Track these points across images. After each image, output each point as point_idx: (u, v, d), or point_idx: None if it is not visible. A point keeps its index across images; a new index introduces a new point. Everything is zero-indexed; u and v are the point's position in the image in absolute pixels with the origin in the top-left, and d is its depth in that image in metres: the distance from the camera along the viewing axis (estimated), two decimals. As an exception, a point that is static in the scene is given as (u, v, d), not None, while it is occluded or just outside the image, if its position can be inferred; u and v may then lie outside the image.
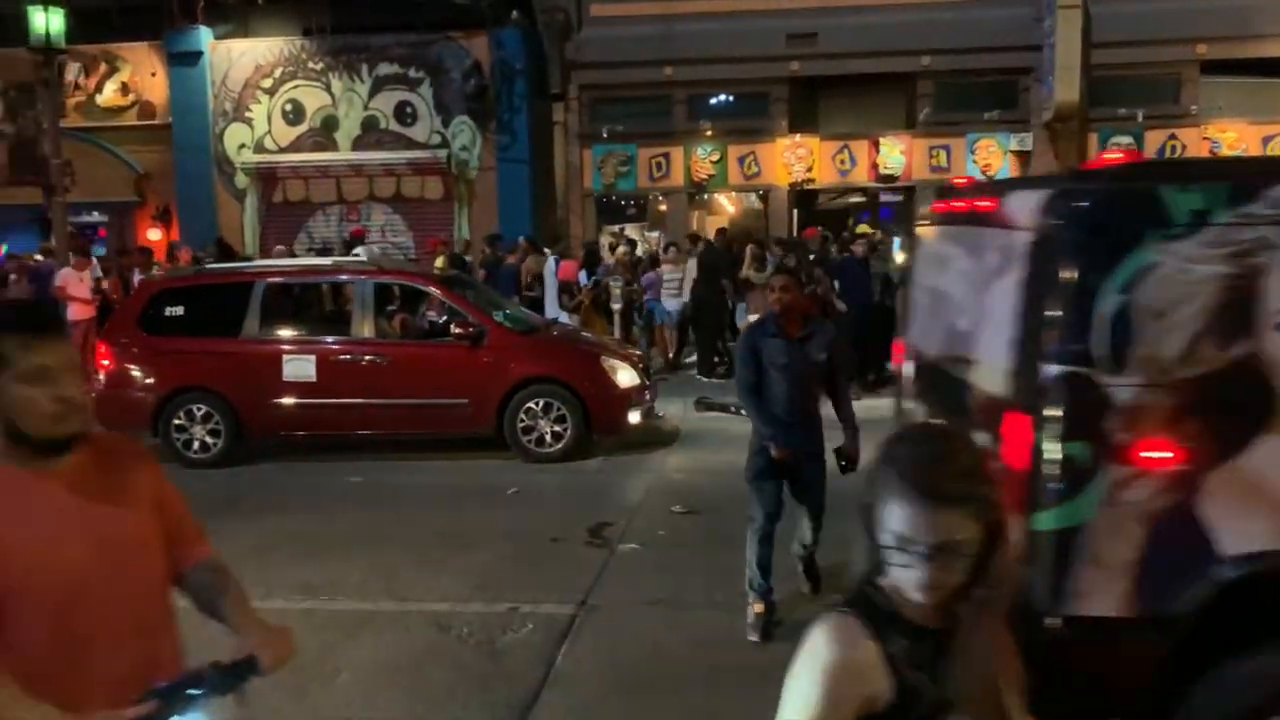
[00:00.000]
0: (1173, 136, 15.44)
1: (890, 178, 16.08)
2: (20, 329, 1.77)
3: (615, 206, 17.87)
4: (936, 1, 15.30)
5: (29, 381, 1.74)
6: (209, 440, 8.65)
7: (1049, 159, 15.46)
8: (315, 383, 8.61)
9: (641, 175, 16.73)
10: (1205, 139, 15.33)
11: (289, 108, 16.78)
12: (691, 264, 12.68)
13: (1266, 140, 15.30)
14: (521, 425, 8.57)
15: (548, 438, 8.56)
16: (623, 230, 17.63)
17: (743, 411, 5.43)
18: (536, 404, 8.56)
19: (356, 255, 11.12)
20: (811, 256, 12.08)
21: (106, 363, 8.76)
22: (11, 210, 16.05)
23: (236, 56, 16.75)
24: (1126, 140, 15.48)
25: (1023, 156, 15.69)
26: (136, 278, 11.98)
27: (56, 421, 1.76)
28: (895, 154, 15.94)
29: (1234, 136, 15.27)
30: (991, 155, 15.83)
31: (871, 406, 10.54)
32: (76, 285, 11.99)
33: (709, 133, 16.57)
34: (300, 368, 8.63)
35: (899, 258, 12.93)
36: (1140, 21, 14.59)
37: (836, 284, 11.04)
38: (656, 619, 5.11)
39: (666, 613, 5.19)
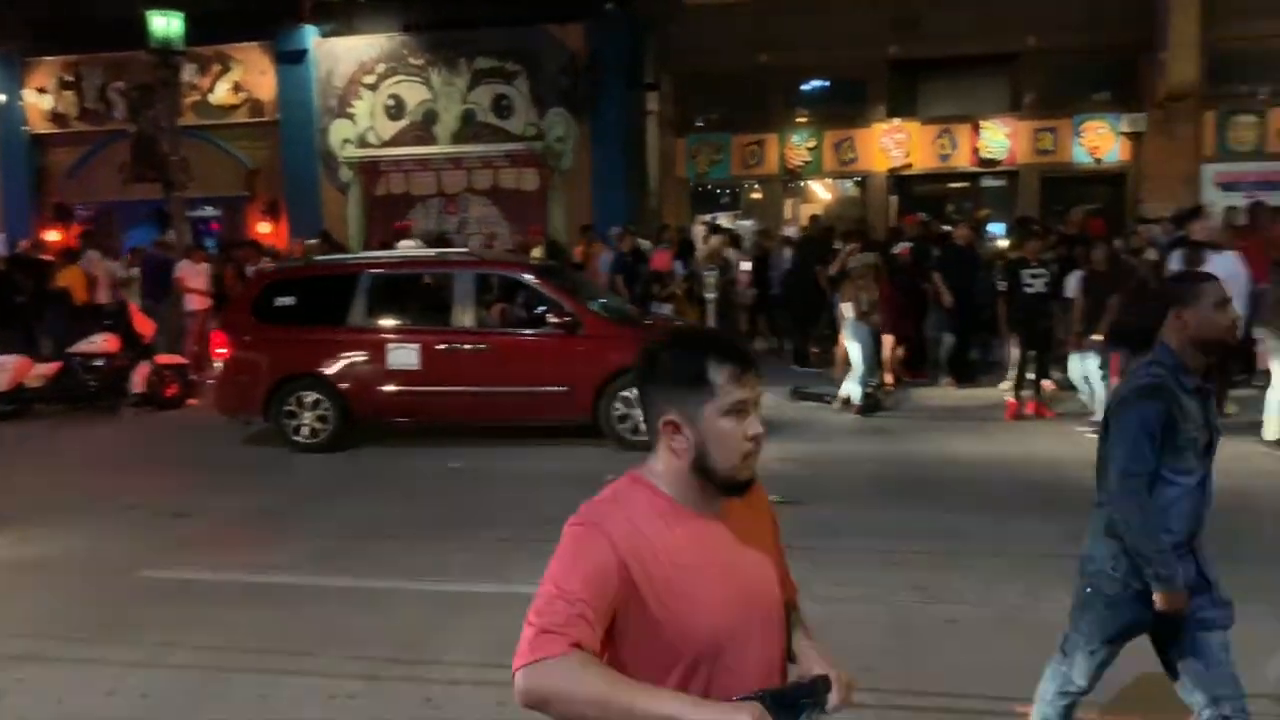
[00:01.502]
0: (1299, 115, 14.60)
1: (992, 162, 15.61)
2: (733, 360, 1.73)
3: (709, 195, 17.81)
4: (1043, -22, 14.78)
5: (732, 416, 1.72)
6: (317, 426, 8.97)
7: (1163, 142, 14.82)
8: (419, 370, 8.84)
9: (735, 163, 16.64)
10: (1336, 117, 14.46)
11: (391, 103, 17.20)
12: (786, 253, 12.59)
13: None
14: (617, 414, 8.64)
15: (642, 427, 8.58)
16: (715, 219, 17.57)
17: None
18: (631, 393, 8.62)
19: (406, 246, 11.45)
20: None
21: (223, 351, 9.16)
22: (132, 206, 16.87)
23: (341, 54, 17.24)
24: (1249, 119, 14.71)
25: (1135, 138, 15.03)
26: (249, 270, 12.48)
27: (746, 459, 1.75)
28: (999, 137, 15.47)
29: (1368, 113, 14.37)
30: (1100, 138, 15.22)
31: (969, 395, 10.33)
32: (194, 277, 12.56)
33: (804, 119, 16.36)
34: (404, 356, 8.87)
35: (1002, 244, 12.57)
36: (1267, -6, 13.83)
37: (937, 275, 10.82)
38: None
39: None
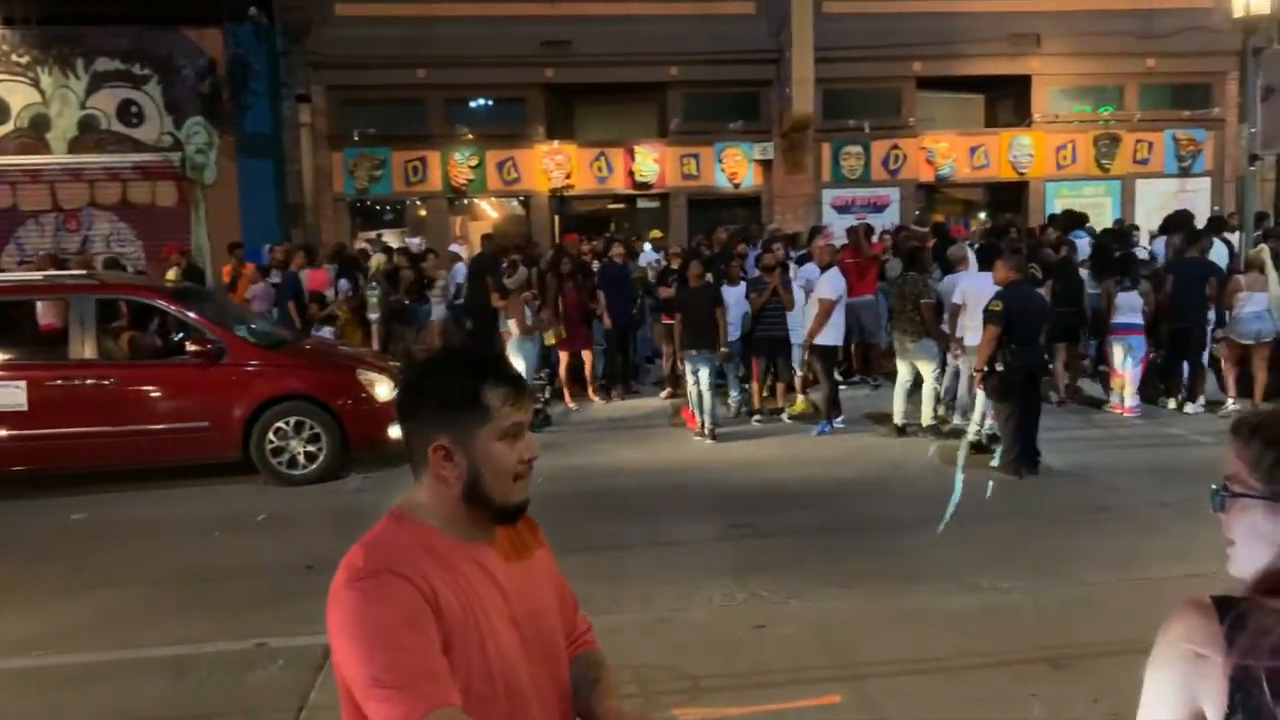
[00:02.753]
0: (895, 147, 16.84)
1: (646, 184, 16.52)
2: (508, 381, 1.65)
3: (370, 211, 17.26)
4: (682, 14, 15.87)
5: (508, 438, 1.63)
6: (-106, 484, 7.57)
7: (788, 168, 16.48)
8: (26, 412, 7.72)
9: (396, 179, 16.27)
10: (922, 149, 16.84)
11: (-11, 104, 14.98)
12: (460, 269, 12.55)
13: (974, 149, 17.02)
14: (271, 446, 8.09)
15: (301, 458, 8.12)
16: (380, 236, 17.05)
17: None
18: (287, 423, 8.11)
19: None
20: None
21: None
22: None
23: (-80, 45, 14.75)
24: (856, 149, 16.77)
25: (766, 165, 16.58)
26: None
27: (519, 482, 1.67)
28: (649, 162, 16.39)
29: (946, 146, 16.87)
30: (738, 164, 16.62)
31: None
32: None
33: (467, 137, 16.36)
34: (6, 396, 7.71)
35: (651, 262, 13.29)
36: (865, 40, 15.80)
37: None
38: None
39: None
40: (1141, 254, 11.39)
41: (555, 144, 16.34)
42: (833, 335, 9.68)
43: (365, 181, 16.19)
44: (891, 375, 11.56)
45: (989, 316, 7.65)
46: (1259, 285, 9.63)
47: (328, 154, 16.00)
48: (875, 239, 12.55)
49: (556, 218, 16.90)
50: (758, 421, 9.93)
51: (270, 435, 8.08)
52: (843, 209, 16.62)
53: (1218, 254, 11.02)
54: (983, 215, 17.36)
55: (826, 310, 9.49)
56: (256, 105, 15.34)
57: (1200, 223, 12.68)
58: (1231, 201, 16.60)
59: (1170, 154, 17.24)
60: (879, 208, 16.79)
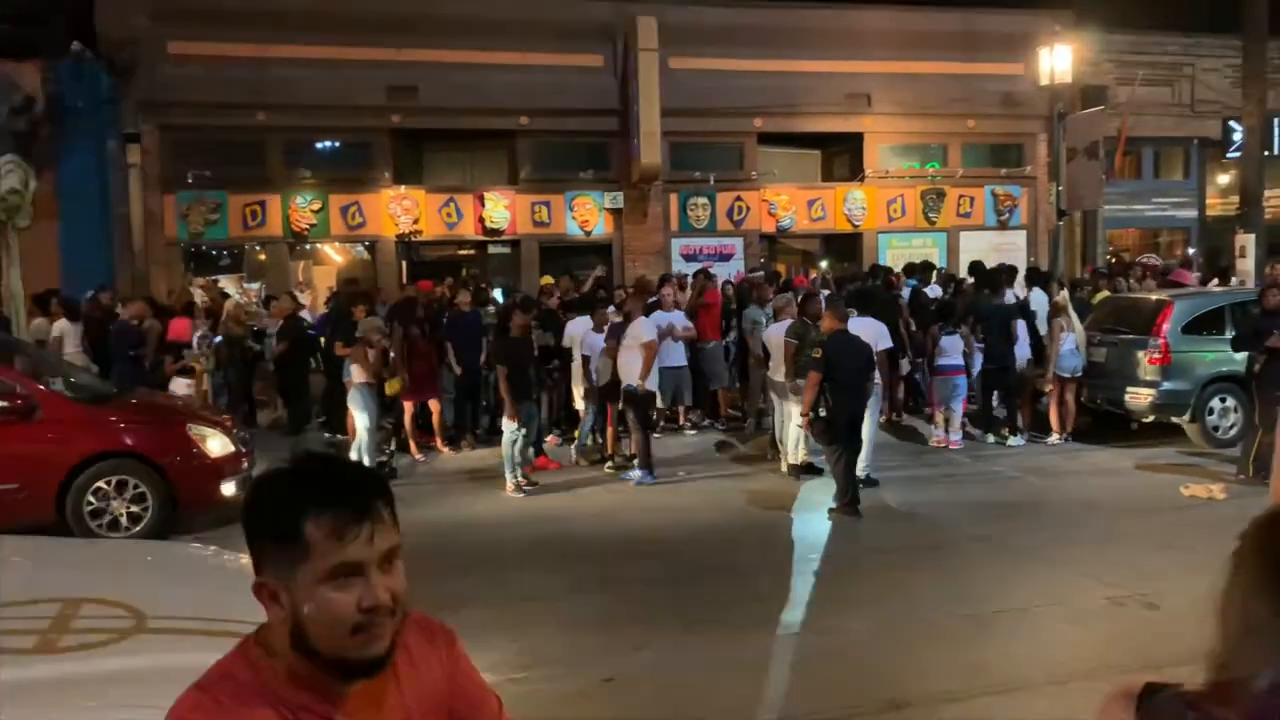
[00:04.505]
0: (739, 198, 17.43)
1: (496, 231, 16.46)
2: (338, 505, 1.29)
3: (206, 256, 16.50)
4: (532, 64, 16.02)
5: (334, 581, 1.28)
6: None
7: (638, 217, 16.79)
8: None
9: (234, 223, 15.62)
10: (764, 201, 17.49)
11: None
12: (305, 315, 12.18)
13: (811, 201, 17.79)
14: (90, 508, 7.54)
15: (124, 520, 7.60)
16: (216, 282, 16.31)
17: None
18: (108, 483, 7.59)
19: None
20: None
21: None
22: None
23: None
24: (702, 200, 17.27)
25: (617, 214, 16.83)
26: None
27: (360, 635, 1.30)
28: (500, 208, 16.35)
29: (786, 199, 17.58)
30: (589, 212, 16.81)
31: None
32: None
33: (309, 181, 15.92)
34: None
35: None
36: (709, 96, 16.37)
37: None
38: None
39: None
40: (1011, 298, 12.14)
41: (403, 189, 16.10)
42: (647, 381, 9.59)
43: (200, 225, 15.47)
44: (735, 417, 11.84)
45: (810, 363, 8.02)
46: (1068, 326, 10.85)
47: (159, 197, 15.22)
48: (717, 286, 12.88)
49: (404, 263, 16.60)
50: (608, 470, 9.96)
51: (89, 496, 7.54)
52: (690, 258, 17.02)
53: (1038, 301, 12.02)
54: (823, 264, 18.14)
55: (653, 352, 9.46)
56: (81, 145, 14.48)
57: (1023, 271, 13.71)
58: (1045, 252, 17.95)
59: (990, 208, 18.51)
60: (725, 257, 17.28)
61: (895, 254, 17.37)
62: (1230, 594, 1.27)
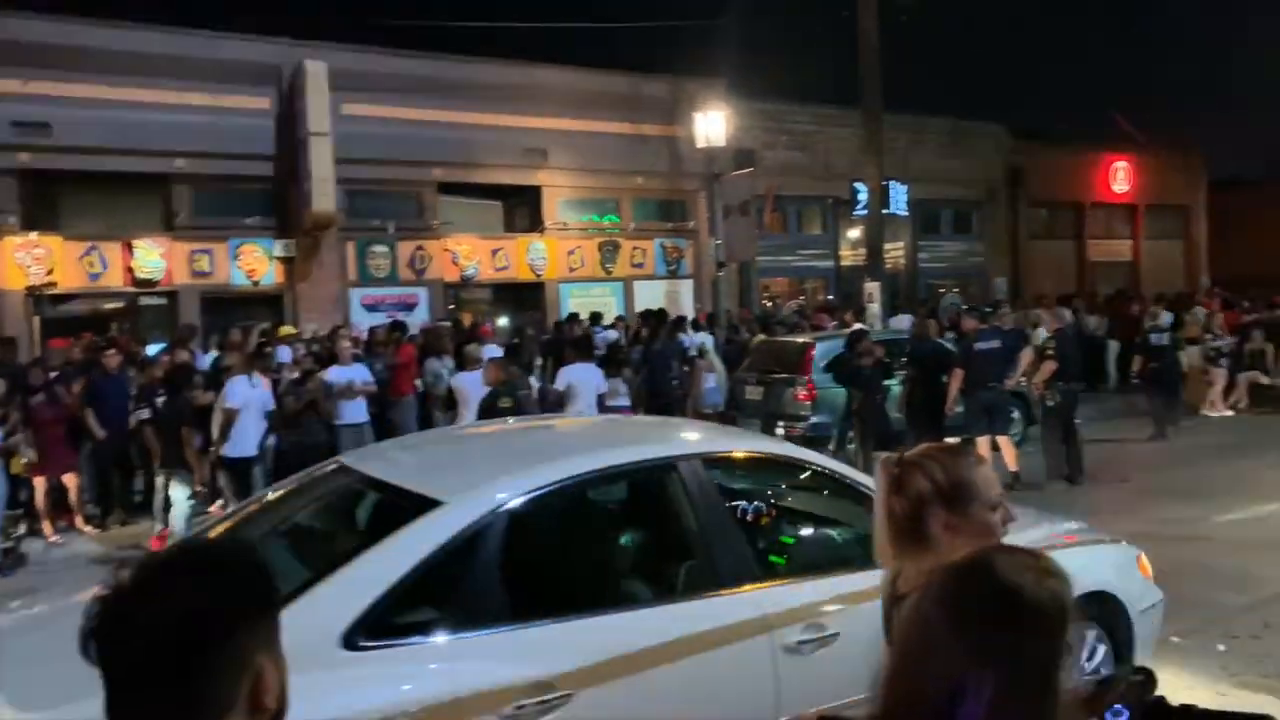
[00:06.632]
0: (420, 248, 17.24)
1: (150, 281, 15.06)
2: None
3: None
4: (188, 104, 14.93)
5: None
6: None
7: (313, 265, 16.11)
8: None
9: None
10: (447, 250, 17.44)
11: None
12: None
13: (495, 251, 17.99)
14: None
15: None
16: None
17: None
18: None
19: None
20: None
21: None
22: None
23: None
24: (383, 249, 16.90)
25: (288, 262, 16.03)
26: None
27: None
28: (154, 257, 15.00)
29: (468, 248, 17.64)
30: (257, 260, 15.87)
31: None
32: None
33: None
34: None
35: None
36: (385, 145, 16.08)
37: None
38: None
39: None
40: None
41: (34, 235, 14.30)
42: (240, 446, 8.88)
43: None
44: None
45: (494, 413, 8.24)
46: (709, 367, 12.87)
47: None
48: (409, 341, 12.60)
49: (37, 319, 14.69)
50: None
51: None
52: (372, 308, 16.57)
53: (709, 342, 13.84)
54: (503, 321, 18.34)
55: (230, 419, 8.76)
56: None
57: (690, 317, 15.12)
58: (709, 299, 19.38)
59: (660, 259, 19.72)
60: (409, 306, 16.98)
61: (576, 303, 17.98)
62: (913, 614, 1.29)
